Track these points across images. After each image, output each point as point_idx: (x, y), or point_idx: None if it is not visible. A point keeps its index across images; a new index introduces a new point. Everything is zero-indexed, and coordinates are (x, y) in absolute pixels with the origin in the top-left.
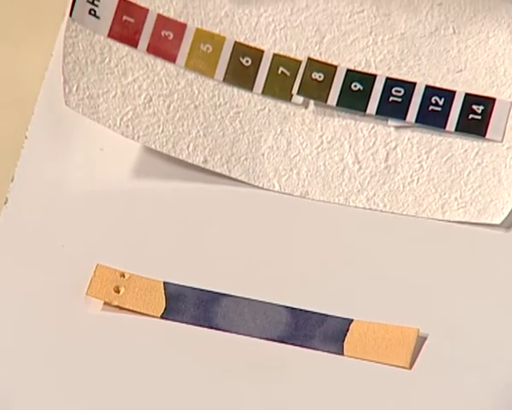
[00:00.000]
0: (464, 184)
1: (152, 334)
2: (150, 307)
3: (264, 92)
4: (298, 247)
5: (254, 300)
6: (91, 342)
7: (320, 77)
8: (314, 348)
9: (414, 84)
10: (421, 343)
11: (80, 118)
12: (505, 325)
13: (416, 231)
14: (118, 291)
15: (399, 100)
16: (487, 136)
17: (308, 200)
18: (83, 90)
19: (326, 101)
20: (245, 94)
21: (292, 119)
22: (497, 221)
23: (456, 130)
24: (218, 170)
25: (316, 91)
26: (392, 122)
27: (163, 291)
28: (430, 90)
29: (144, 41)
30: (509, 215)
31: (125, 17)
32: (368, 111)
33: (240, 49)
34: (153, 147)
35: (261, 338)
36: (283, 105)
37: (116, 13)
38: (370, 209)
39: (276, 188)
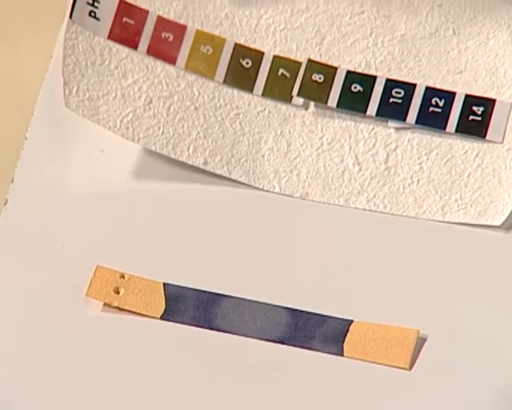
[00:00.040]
0: (464, 186)
1: (152, 335)
2: (150, 308)
3: (264, 94)
4: (298, 248)
5: (254, 301)
6: (91, 343)
7: (320, 78)
8: (314, 349)
9: (414, 85)
10: (421, 344)
11: (80, 119)
12: (505, 326)
13: (416, 232)
14: (118, 292)
15: (399, 101)
16: (487, 137)
17: (308, 201)
18: (83, 91)
19: (326, 102)
20: (245, 95)
21: (292, 120)
22: (498, 223)
23: (457, 131)
24: (218, 171)
25: (316, 93)
26: (392, 123)
27: (163, 292)
28: (430, 92)
29: (144, 43)
30: (509, 217)
31: (125, 19)
32: (368, 112)
33: (240, 50)
34: (153, 149)
35: (261, 339)
36: (283, 107)
37: (116, 15)
38: (370, 211)
39: (277, 189)
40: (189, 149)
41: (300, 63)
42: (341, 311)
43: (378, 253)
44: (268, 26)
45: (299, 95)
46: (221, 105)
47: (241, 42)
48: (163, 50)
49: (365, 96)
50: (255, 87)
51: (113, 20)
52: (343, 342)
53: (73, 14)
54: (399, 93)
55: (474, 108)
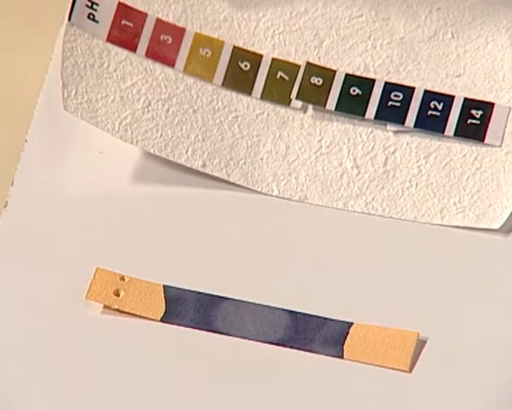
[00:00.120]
0: (463, 189)
1: (152, 337)
2: (150, 310)
3: (262, 97)
4: (297, 251)
5: (254, 303)
6: (91, 346)
7: (319, 81)
8: (314, 352)
9: (413, 88)
10: (420, 347)
11: (80, 121)
12: (505, 328)
13: (415, 235)
14: (118, 294)
15: (398, 104)
16: (486, 141)
17: (307, 204)
18: (81, 94)
19: (325, 105)
20: (244, 98)
21: (290, 123)
22: (496, 226)
23: (455, 134)
24: (216, 174)
25: (314, 96)
26: (390, 127)
27: (163, 294)
28: (429, 95)
29: (143, 45)
30: (507, 220)
31: (123, 21)
32: (366, 116)
33: (239, 53)
34: (151, 151)
35: (261, 342)
36: (282, 109)
37: (115, 17)
38: (369, 214)
39: (275, 192)
40: (187, 151)
41: (299, 66)
42: (341, 313)
43: (377, 256)
44: (267, 28)
45: (297, 98)
46: (220, 108)
47: (240, 45)
48: (162, 53)
49: (364, 100)
50: (254, 90)
51: (112, 23)
52: (343, 344)
53: (72, 17)
54: (398, 96)
55: (473, 112)
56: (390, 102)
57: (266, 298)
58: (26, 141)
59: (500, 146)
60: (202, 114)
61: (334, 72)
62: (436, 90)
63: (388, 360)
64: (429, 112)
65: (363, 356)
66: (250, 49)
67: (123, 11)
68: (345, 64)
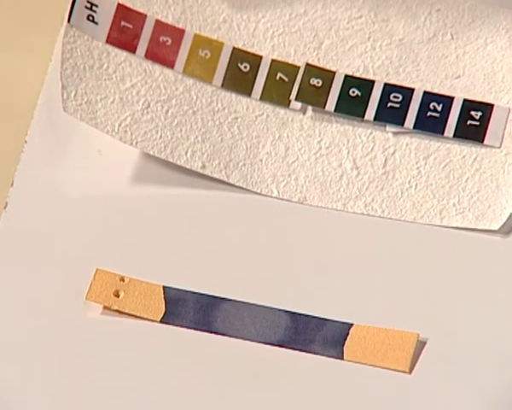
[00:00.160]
0: (462, 190)
1: (151, 338)
2: (150, 311)
3: (262, 98)
4: (297, 252)
5: (254, 304)
6: (91, 346)
7: (318, 83)
8: (314, 353)
9: (412, 90)
10: (420, 348)
11: (80, 123)
12: (504, 329)
13: (415, 236)
14: (117, 295)
15: (397, 106)
16: (485, 142)
17: (306, 206)
18: (81, 95)
19: (324, 107)
20: (243, 100)
21: (290, 124)
22: (496, 227)
23: (455, 136)
24: (216, 176)
25: (314, 97)
26: (390, 128)
27: (162, 295)
28: (428, 96)
29: (142, 47)
30: (507, 221)
31: (123, 23)
32: (366, 117)
33: (238, 54)
34: (151, 153)
35: (261, 342)
36: (281, 111)
37: (114, 18)
38: (368, 215)
39: (275, 194)
40: (187, 153)
41: (298, 67)
42: (341, 314)
43: (377, 257)
44: (266, 30)
45: (297, 99)
46: (219, 109)
47: (240, 46)
48: (161, 54)
49: (363, 101)
50: (253, 91)
51: (112, 24)
52: (343, 345)
53: (72, 18)
54: (397, 98)
55: (472, 113)
56: (389, 104)
57: (266, 299)
58: (25, 142)
59: (499, 147)
60: (202, 115)
61: (334, 73)
62: (435, 91)
63: (388, 361)
64: (429, 113)
65: (362, 357)
66: (249, 50)
67: (122, 12)
68: (344, 65)
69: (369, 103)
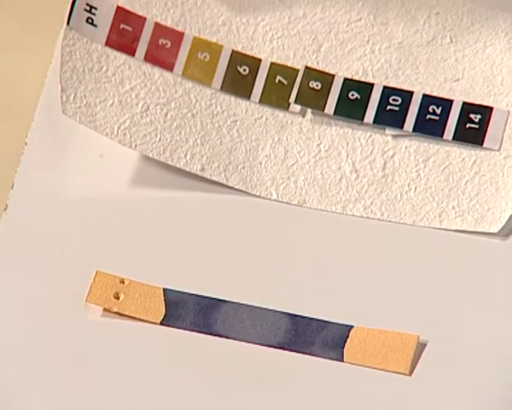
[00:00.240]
0: (462, 193)
1: (151, 340)
2: (150, 313)
3: (261, 101)
4: (296, 254)
5: (254, 306)
6: (91, 349)
7: (317, 86)
8: (314, 355)
9: (411, 93)
10: (420, 350)
11: (80, 125)
12: (504, 331)
13: (414, 239)
14: (117, 298)
15: (397, 109)
16: (485, 145)
17: (305, 208)
18: (80, 98)
19: (323, 109)
20: (242, 102)
21: (289, 127)
22: (495, 230)
23: (454, 139)
24: (215, 178)
25: (313, 100)
26: (389, 131)
27: (163, 298)
28: (427, 99)
29: (142, 49)
30: (506, 224)
31: (122, 25)
32: (365, 120)
33: (237, 57)
34: (150, 155)
35: (261, 345)
36: (281, 114)
37: (113, 21)
38: (368, 218)
39: (274, 196)
40: (186, 155)
41: (298, 70)
42: (341, 316)
43: (376, 259)
44: (265, 33)
45: (296, 102)
46: (218, 112)
47: (239, 49)
48: (160, 57)
49: (362, 104)
50: (252, 94)
51: (111, 27)
52: (343, 347)
53: (71, 21)
54: (397, 100)
55: (472, 116)
56: (389, 107)
57: (266, 301)
58: (26, 144)
59: (499, 150)
60: (201, 118)
61: (333, 76)
62: (435, 94)
63: (388, 363)
64: (428, 116)
65: (363, 359)
66: (249, 53)
67: (121, 15)
68: (343, 68)
69: (369, 106)
